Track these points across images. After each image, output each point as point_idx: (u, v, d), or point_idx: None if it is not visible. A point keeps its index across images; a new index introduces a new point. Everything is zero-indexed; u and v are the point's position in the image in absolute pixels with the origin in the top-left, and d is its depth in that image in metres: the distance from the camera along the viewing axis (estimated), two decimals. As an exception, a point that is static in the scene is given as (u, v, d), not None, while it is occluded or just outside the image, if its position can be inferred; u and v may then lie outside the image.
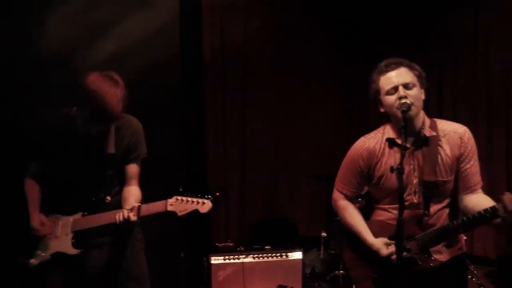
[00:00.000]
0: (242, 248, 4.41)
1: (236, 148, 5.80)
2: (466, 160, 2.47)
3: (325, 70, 6.20)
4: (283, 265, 4.32)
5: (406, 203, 2.42)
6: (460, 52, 5.88)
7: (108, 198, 2.78)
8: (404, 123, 2.34)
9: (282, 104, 6.01)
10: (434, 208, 2.47)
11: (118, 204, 2.78)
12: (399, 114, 2.39)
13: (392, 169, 2.30)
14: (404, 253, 2.30)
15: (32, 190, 2.84)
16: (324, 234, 4.96)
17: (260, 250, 4.37)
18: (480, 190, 2.49)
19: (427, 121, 2.53)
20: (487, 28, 5.68)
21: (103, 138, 2.77)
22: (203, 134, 5.55)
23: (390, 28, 6.12)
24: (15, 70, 3.79)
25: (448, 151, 2.47)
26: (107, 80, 2.60)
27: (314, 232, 5.22)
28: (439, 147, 2.47)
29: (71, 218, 2.77)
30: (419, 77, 2.48)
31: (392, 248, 2.41)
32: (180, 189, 2.70)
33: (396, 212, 2.34)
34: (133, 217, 2.61)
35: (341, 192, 2.74)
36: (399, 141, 2.49)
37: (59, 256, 2.75)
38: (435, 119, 2.57)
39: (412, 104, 2.38)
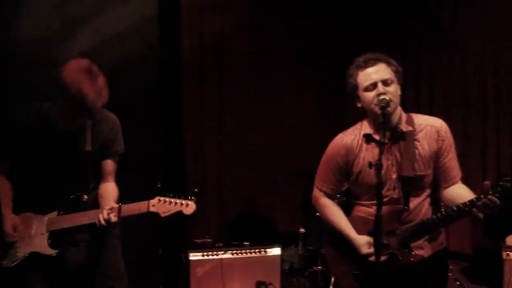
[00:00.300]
0: (221, 244, 4.40)
1: (214, 145, 5.77)
2: (445, 154, 2.50)
3: (303, 67, 6.19)
4: (261, 261, 4.32)
5: (386, 199, 2.44)
6: (437, 49, 5.95)
7: (85, 196, 2.72)
8: (383, 119, 2.35)
9: (260, 100, 6.00)
10: (413, 202, 2.49)
11: (94, 201, 2.73)
12: (377, 110, 2.40)
13: (370, 165, 2.32)
14: (383, 257, 2.31)
15: (4, 188, 2.76)
16: (302, 230, 4.97)
17: (239, 246, 4.36)
18: (459, 182, 2.52)
19: (404, 116, 2.54)
20: (465, 25, 5.76)
21: (79, 134, 2.70)
22: (181, 131, 5.52)
23: (367, 24, 6.15)
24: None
25: (425, 145, 2.49)
26: (84, 72, 2.52)
27: (293, 228, 5.23)
28: (416, 142, 2.48)
29: (46, 217, 2.71)
30: (396, 72, 2.50)
31: (372, 249, 2.40)
32: (158, 185, 2.67)
33: (376, 207, 2.35)
34: (113, 218, 2.56)
35: (321, 190, 2.74)
36: (376, 137, 2.51)
37: (36, 255, 2.68)
38: (412, 114, 2.59)
39: (390, 100, 2.40)
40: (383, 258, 2.34)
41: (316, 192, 2.76)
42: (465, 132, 5.66)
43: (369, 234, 2.45)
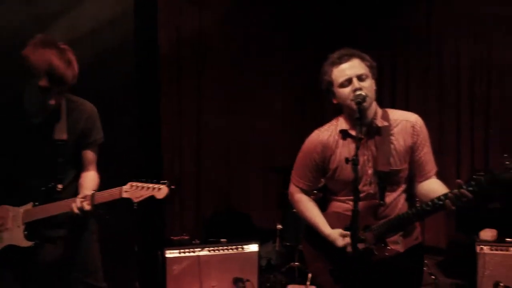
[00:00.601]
0: (198, 242, 4.38)
1: (191, 140, 5.75)
2: (420, 148, 2.51)
3: (279, 63, 6.21)
4: (239, 257, 4.30)
5: (362, 194, 2.45)
6: (413, 46, 6.02)
7: (60, 186, 2.68)
8: (360, 115, 2.36)
9: (237, 96, 6.00)
10: (389, 197, 2.50)
11: (74, 192, 2.69)
12: (354, 106, 2.39)
13: (347, 160, 2.32)
14: (360, 246, 2.32)
15: None
16: (279, 226, 4.98)
17: (216, 243, 4.34)
18: (434, 176, 2.53)
19: (379, 111, 2.55)
20: (439, 23, 5.84)
21: (53, 123, 2.66)
22: (159, 126, 5.47)
23: (343, 21, 6.18)
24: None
25: (400, 140, 2.50)
26: (51, 45, 2.49)
27: (270, 225, 5.24)
28: (391, 137, 2.49)
29: (21, 209, 2.65)
30: (370, 67, 2.50)
31: (348, 239, 2.41)
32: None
33: (352, 203, 2.36)
34: (87, 206, 2.53)
35: (297, 186, 2.74)
36: (352, 132, 2.51)
37: (10, 249, 2.64)
38: (387, 109, 2.59)
39: (366, 95, 2.40)
40: (353, 254, 2.35)
41: (292, 188, 2.76)
42: (440, 128, 5.74)
43: (345, 229, 2.46)
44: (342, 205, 2.59)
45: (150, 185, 2.53)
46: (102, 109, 2.88)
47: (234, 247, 4.30)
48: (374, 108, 2.52)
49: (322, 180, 2.73)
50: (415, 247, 2.54)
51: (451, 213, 2.24)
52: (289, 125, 6.18)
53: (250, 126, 6.04)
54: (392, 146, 2.48)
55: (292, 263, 4.68)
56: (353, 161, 2.26)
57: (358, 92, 2.40)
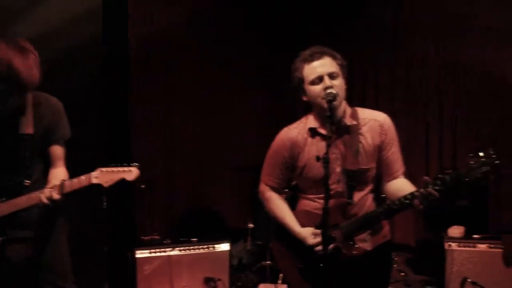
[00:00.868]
0: (169, 241, 4.34)
1: (161, 139, 5.69)
2: (387, 148, 2.52)
3: (250, 61, 6.19)
4: (210, 257, 4.29)
5: (331, 192, 2.44)
6: (382, 46, 6.08)
7: (27, 181, 2.62)
8: (330, 113, 2.36)
9: (207, 94, 5.96)
10: (357, 196, 2.51)
11: (41, 188, 2.64)
12: (324, 104, 2.40)
13: (318, 158, 2.32)
14: (331, 245, 2.33)
15: None
16: (251, 225, 4.97)
17: (187, 242, 4.31)
18: (402, 176, 2.54)
19: (348, 110, 2.56)
20: (407, 22, 5.91)
21: (17, 117, 2.60)
22: (128, 125, 5.40)
23: (313, 19, 6.21)
24: None
25: (369, 139, 2.51)
26: (14, 48, 2.43)
27: (241, 224, 5.22)
28: (360, 136, 2.50)
29: None
30: (341, 66, 2.50)
31: (318, 238, 2.42)
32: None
33: (321, 201, 2.37)
34: (56, 195, 2.48)
35: (267, 184, 2.73)
36: (321, 130, 2.51)
37: None
38: (356, 108, 2.60)
39: (337, 94, 2.40)
40: (322, 252, 2.36)
41: (262, 186, 2.76)
42: (408, 127, 5.82)
43: (316, 227, 2.46)
44: (311, 203, 2.59)
45: (120, 168, 2.50)
46: (69, 107, 2.83)
47: (205, 246, 4.29)
48: (343, 107, 2.52)
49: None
50: (383, 245, 2.56)
51: (420, 211, 2.25)
52: (261, 124, 6.17)
53: (222, 125, 6.01)
54: (360, 145, 2.49)
55: (263, 262, 4.68)
56: (324, 160, 2.26)
57: (329, 90, 2.40)
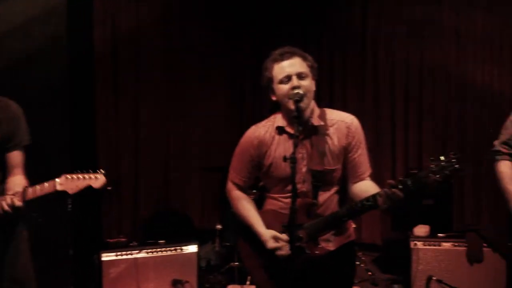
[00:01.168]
0: (135, 244, 4.28)
1: (128, 141, 5.62)
2: (354, 150, 2.53)
3: (218, 61, 6.18)
4: (178, 259, 4.25)
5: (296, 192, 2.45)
6: (350, 48, 6.15)
7: None
8: (297, 113, 2.36)
9: (175, 95, 5.92)
10: (322, 196, 2.51)
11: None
12: (291, 104, 2.40)
13: (285, 158, 2.32)
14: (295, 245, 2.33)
15: None
16: (219, 226, 4.96)
17: (154, 244, 4.26)
18: (368, 178, 2.55)
19: (317, 110, 2.56)
20: (375, 23, 5.99)
21: None
22: (94, 127, 5.32)
23: (281, 21, 6.23)
24: None
25: (335, 140, 2.51)
26: None
27: (209, 225, 5.20)
28: (327, 136, 2.50)
29: None
30: (311, 67, 2.51)
31: (278, 243, 2.42)
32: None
33: (286, 201, 2.36)
34: (17, 202, 2.42)
35: (234, 182, 2.71)
36: (288, 129, 2.51)
37: None
38: (325, 109, 2.60)
39: (304, 94, 2.41)
40: (288, 250, 2.36)
41: (229, 185, 2.74)
42: (375, 127, 5.90)
43: (283, 227, 2.46)
44: (276, 202, 2.59)
45: (86, 175, 2.46)
46: (32, 109, 2.76)
47: (172, 248, 4.25)
48: (311, 107, 2.52)
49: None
50: (347, 245, 2.57)
51: (386, 212, 2.27)
52: (229, 125, 6.17)
53: (189, 125, 5.98)
54: (326, 145, 2.49)
55: (231, 263, 4.67)
56: (291, 160, 2.26)
57: (296, 91, 2.40)
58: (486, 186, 5.39)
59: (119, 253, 4.11)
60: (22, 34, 4.03)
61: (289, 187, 2.33)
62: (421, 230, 4.36)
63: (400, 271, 4.60)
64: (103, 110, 5.39)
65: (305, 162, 2.49)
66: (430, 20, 5.69)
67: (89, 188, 2.47)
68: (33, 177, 2.72)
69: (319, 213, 2.49)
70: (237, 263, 4.61)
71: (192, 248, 4.29)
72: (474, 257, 4.10)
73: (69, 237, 4.11)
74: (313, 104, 2.54)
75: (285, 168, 2.37)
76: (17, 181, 2.64)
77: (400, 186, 2.17)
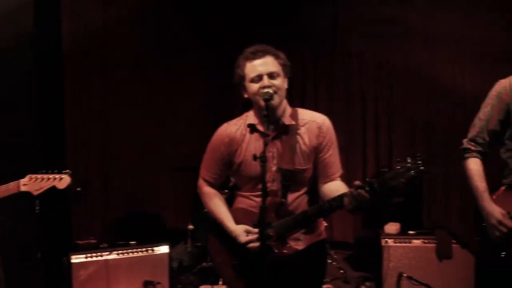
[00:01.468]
0: (105, 245, 4.22)
1: (98, 139, 5.53)
2: (325, 150, 2.53)
3: (190, 60, 6.14)
4: (149, 260, 4.20)
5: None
6: (321, 46, 6.18)
7: None
8: (267, 112, 2.36)
9: (147, 94, 5.86)
10: (291, 196, 2.51)
11: None
12: (262, 102, 2.40)
13: (255, 157, 2.31)
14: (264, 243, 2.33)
15: None
16: (190, 226, 4.93)
17: (125, 245, 4.21)
18: (338, 179, 2.55)
19: (289, 109, 2.56)
20: (345, 24, 6.04)
21: None
22: (63, 126, 5.22)
23: (254, 18, 6.23)
24: None
25: (306, 140, 2.52)
26: None
27: (181, 225, 5.16)
28: (298, 136, 2.51)
29: None
30: (283, 66, 2.51)
31: (250, 236, 2.43)
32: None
33: (257, 199, 2.35)
34: None
35: (205, 179, 2.71)
36: (260, 128, 2.50)
37: None
38: (297, 109, 2.61)
39: (275, 93, 2.41)
40: (256, 246, 2.36)
41: (200, 182, 2.74)
42: (347, 126, 5.94)
43: (253, 226, 2.45)
44: (247, 201, 2.58)
45: (51, 176, 2.42)
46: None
47: (143, 249, 4.20)
48: (283, 106, 2.52)
49: (233, 179, 2.72)
50: (317, 243, 2.58)
51: (353, 212, 2.28)
52: (202, 124, 6.13)
53: (161, 124, 5.93)
54: (297, 145, 2.50)
55: (204, 264, 4.64)
56: (261, 158, 2.26)
57: (266, 90, 2.41)
58: (455, 184, 5.49)
59: (89, 255, 4.04)
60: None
61: (260, 186, 2.32)
62: (391, 227, 4.40)
63: (371, 268, 4.64)
64: (72, 108, 5.27)
65: (275, 161, 2.49)
66: (400, 21, 5.75)
67: (54, 189, 2.42)
68: (6, 178, 2.66)
69: (288, 212, 2.49)
70: (209, 263, 4.60)
71: (164, 249, 4.26)
72: (443, 254, 4.16)
73: (37, 240, 4.04)
74: (285, 103, 2.54)
75: (256, 167, 2.38)
76: None
77: (367, 188, 2.18)
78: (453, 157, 5.23)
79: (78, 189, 4.70)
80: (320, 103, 6.04)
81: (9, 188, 2.41)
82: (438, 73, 5.70)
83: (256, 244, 2.39)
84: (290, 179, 2.48)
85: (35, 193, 2.40)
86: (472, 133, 2.74)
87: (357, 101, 6.05)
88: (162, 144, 5.94)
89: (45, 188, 2.41)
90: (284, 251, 2.44)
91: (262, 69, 2.45)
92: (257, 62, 2.47)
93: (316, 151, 2.53)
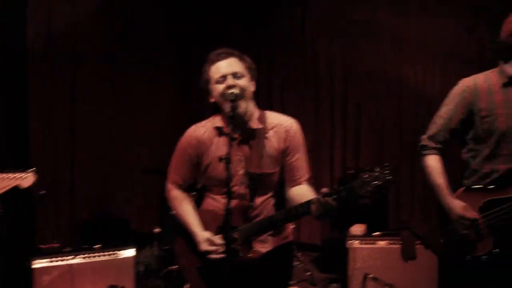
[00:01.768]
0: (69, 249, 4.14)
1: (64, 140, 5.44)
2: (292, 153, 2.53)
3: (159, 62, 6.09)
4: (114, 264, 4.13)
5: (233, 194, 2.43)
6: (289, 47, 6.21)
7: None
8: (232, 113, 2.35)
9: (114, 96, 5.78)
10: (258, 199, 2.51)
11: None
12: (227, 103, 2.39)
13: (220, 159, 2.32)
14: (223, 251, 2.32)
15: None
16: (157, 229, 4.88)
17: (89, 249, 4.14)
18: (305, 182, 2.55)
19: (257, 112, 2.55)
20: (313, 26, 6.09)
21: None
22: (27, 127, 5.11)
23: (223, 19, 6.22)
24: None
25: (274, 143, 2.51)
26: None
27: (148, 228, 5.11)
28: (265, 140, 2.50)
29: None
30: (249, 68, 2.51)
31: (211, 247, 2.41)
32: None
33: (224, 201, 2.35)
34: None
35: (173, 182, 2.69)
36: (227, 130, 2.49)
37: None
38: (266, 111, 2.60)
39: (240, 93, 2.40)
40: (221, 253, 2.36)
41: (168, 184, 2.71)
42: (315, 128, 5.99)
43: (218, 228, 2.44)
44: (215, 203, 2.57)
45: (14, 175, 2.35)
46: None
47: (108, 253, 4.13)
48: (250, 109, 2.51)
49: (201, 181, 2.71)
50: (284, 246, 2.57)
51: (319, 219, 2.28)
52: (171, 126, 6.08)
53: (128, 126, 5.86)
54: (265, 149, 2.49)
55: (170, 267, 4.60)
56: (226, 160, 2.25)
57: (231, 90, 2.40)
58: (421, 184, 5.57)
59: (52, 259, 3.96)
60: None
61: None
62: (357, 229, 4.44)
63: (338, 270, 4.67)
64: (38, 108, 5.17)
65: (243, 165, 2.48)
66: (368, 22, 5.83)
67: (17, 188, 2.36)
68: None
69: (255, 215, 2.49)
70: (176, 266, 4.56)
71: (129, 253, 4.20)
72: (408, 255, 4.20)
73: (-1, 244, 3.96)
74: (252, 106, 2.52)
75: (222, 169, 2.36)
76: None
77: (334, 196, 2.18)
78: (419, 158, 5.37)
79: (43, 191, 4.60)
80: (288, 105, 6.06)
81: None
82: (406, 75, 5.80)
83: (215, 255, 2.38)
84: (257, 183, 2.48)
85: None
86: (432, 130, 2.74)
87: (325, 102, 6.11)
88: (130, 146, 5.87)
89: (8, 187, 2.35)
90: (249, 255, 2.43)
91: (226, 69, 2.45)
92: (221, 63, 2.47)
93: (283, 155, 2.52)
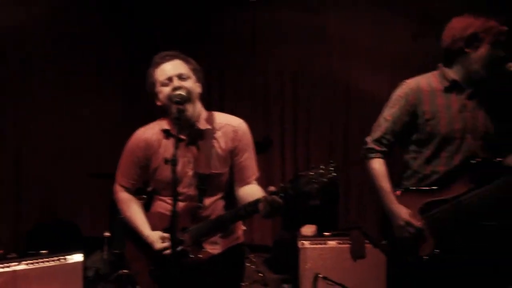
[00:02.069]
0: (14, 255, 4.01)
1: (9, 144, 5.28)
2: (240, 153, 2.54)
3: (106, 64, 5.99)
4: (61, 269, 4.02)
5: (182, 196, 2.44)
6: (240, 51, 6.24)
7: None
8: (178, 115, 2.34)
9: (62, 99, 5.64)
10: (208, 200, 2.51)
11: None
12: (173, 105, 2.38)
13: (166, 161, 2.30)
14: (179, 248, 2.30)
15: None
16: (107, 233, 4.79)
17: (35, 255, 4.01)
18: (254, 182, 2.56)
19: (204, 114, 2.55)
20: (263, 30, 6.13)
21: None
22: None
23: (173, 22, 6.19)
24: None
25: (222, 144, 2.51)
26: None
27: (98, 232, 5.00)
28: (214, 140, 2.50)
29: None
30: (194, 70, 2.51)
31: (166, 243, 2.39)
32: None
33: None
34: None
35: (121, 185, 2.66)
36: (174, 132, 2.48)
37: None
38: (214, 112, 2.60)
39: (186, 95, 2.39)
40: (168, 255, 2.35)
41: (116, 187, 2.69)
42: (266, 128, 6.05)
43: (164, 230, 2.43)
44: (164, 204, 2.55)
45: None
46: None
47: (55, 258, 4.02)
48: (198, 110, 2.51)
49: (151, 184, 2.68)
50: (235, 247, 2.58)
51: (268, 217, 2.28)
52: (120, 129, 5.97)
53: (76, 129, 5.72)
54: (213, 149, 2.49)
55: (121, 271, 4.52)
56: (172, 162, 2.24)
57: (177, 92, 2.40)
58: (369, 185, 5.68)
59: (-5, 266, 3.82)
60: None
61: (176, 190, 2.30)
62: (308, 230, 4.49)
63: (290, 270, 4.70)
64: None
65: (191, 166, 2.48)
66: (317, 27, 5.92)
67: None
68: None
69: (205, 216, 2.48)
70: (126, 270, 4.48)
71: (77, 258, 4.10)
72: (357, 254, 4.28)
73: None
74: (199, 107, 2.53)
75: (170, 172, 2.34)
76: None
77: (281, 193, 2.20)
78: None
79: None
80: (239, 107, 6.08)
81: None
82: (351, 80, 5.92)
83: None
84: (206, 183, 2.48)
85: None
86: (377, 133, 2.74)
87: (276, 105, 6.17)
88: (77, 149, 5.74)
89: None
90: (199, 255, 2.43)
91: (172, 71, 2.45)
92: (166, 65, 2.47)
93: (232, 155, 2.53)
